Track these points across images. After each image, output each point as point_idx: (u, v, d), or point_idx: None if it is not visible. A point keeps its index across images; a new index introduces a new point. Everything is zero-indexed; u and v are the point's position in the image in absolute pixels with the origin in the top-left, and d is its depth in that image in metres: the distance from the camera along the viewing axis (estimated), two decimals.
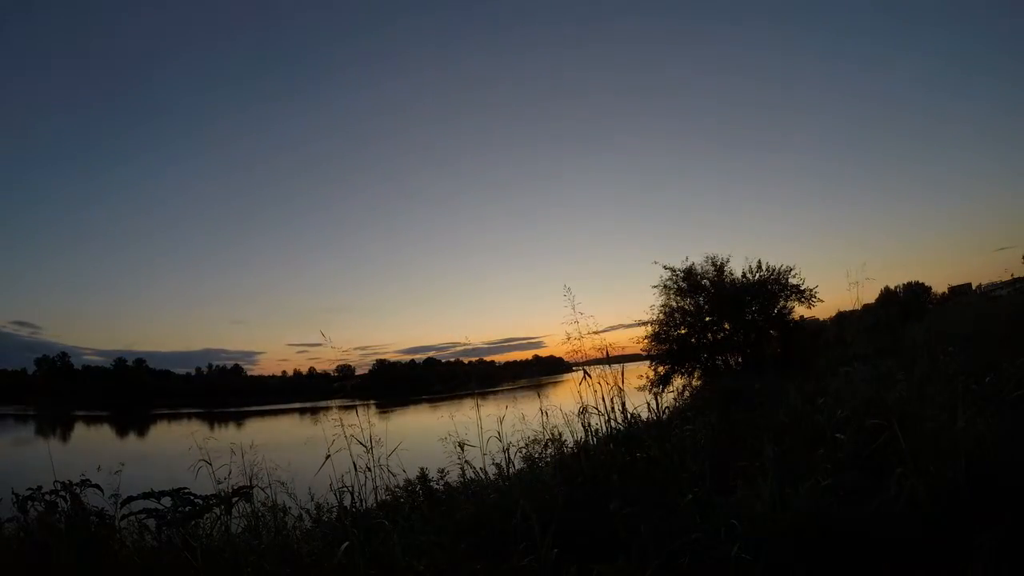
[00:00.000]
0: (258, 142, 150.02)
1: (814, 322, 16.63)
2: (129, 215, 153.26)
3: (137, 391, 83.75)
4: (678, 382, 14.79)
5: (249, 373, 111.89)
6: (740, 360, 14.68)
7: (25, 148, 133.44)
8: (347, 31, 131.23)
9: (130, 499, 3.87)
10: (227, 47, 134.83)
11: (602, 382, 6.73)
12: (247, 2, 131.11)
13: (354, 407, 5.52)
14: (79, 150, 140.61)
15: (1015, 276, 35.09)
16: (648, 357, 15.33)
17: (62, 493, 4.10)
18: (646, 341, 15.39)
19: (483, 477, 5.32)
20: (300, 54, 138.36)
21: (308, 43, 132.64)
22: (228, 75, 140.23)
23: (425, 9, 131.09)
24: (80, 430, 38.40)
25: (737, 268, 15.15)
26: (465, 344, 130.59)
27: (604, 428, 6.48)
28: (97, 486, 4.20)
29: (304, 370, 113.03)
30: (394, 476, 5.14)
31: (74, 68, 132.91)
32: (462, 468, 5.35)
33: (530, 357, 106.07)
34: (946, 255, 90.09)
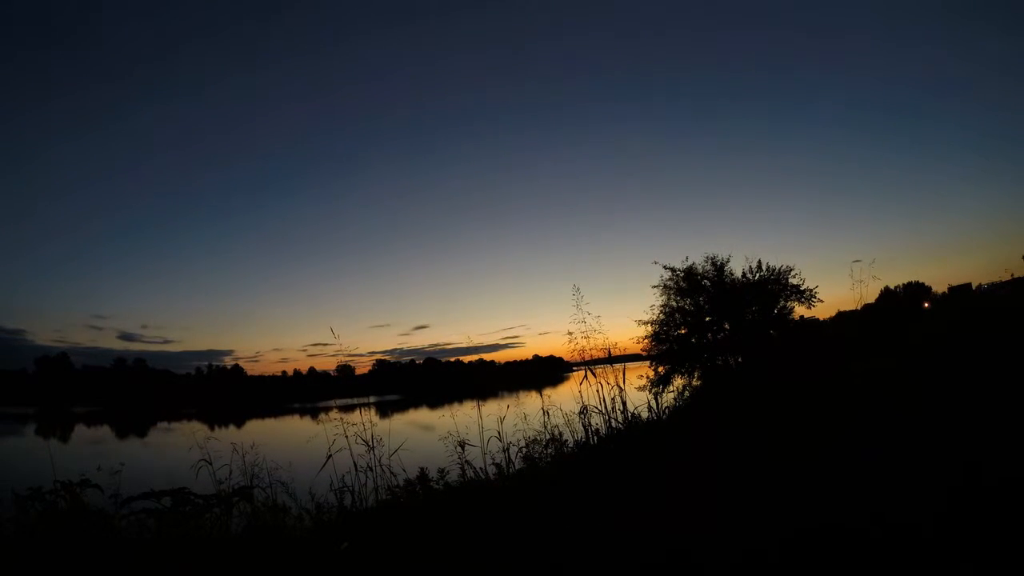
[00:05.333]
0: (252, 142, 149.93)
1: (814, 322, 16.62)
2: (130, 214, 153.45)
3: (137, 391, 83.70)
4: (678, 382, 14.77)
5: (249, 373, 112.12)
6: (740, 360, 14.66)
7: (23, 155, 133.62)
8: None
9: (130, 499, 3.85)
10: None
11: (603, 382, 6.73)
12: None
13: (356, 407, 5.51)
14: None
15: (1015, 276, 35.14)
16: (648, 357, 15.31)
17: (62, 493, 4.09)
18: (646, 341, 15.39)
19: (483, 477, 5.31)
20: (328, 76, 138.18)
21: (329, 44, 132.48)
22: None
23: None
24: (80, 430, 38.35)
25: (737, 268, 15.15)
26: (445, 344, 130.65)
27: (605, 428, 6.48)
28: (97, 486, 4.19)
29: (304, 370, 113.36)
30: (395, 476, 5.13)
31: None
32: (462, 468, 5.34)
33: (530, 357, 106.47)
34: (946, 255, 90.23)
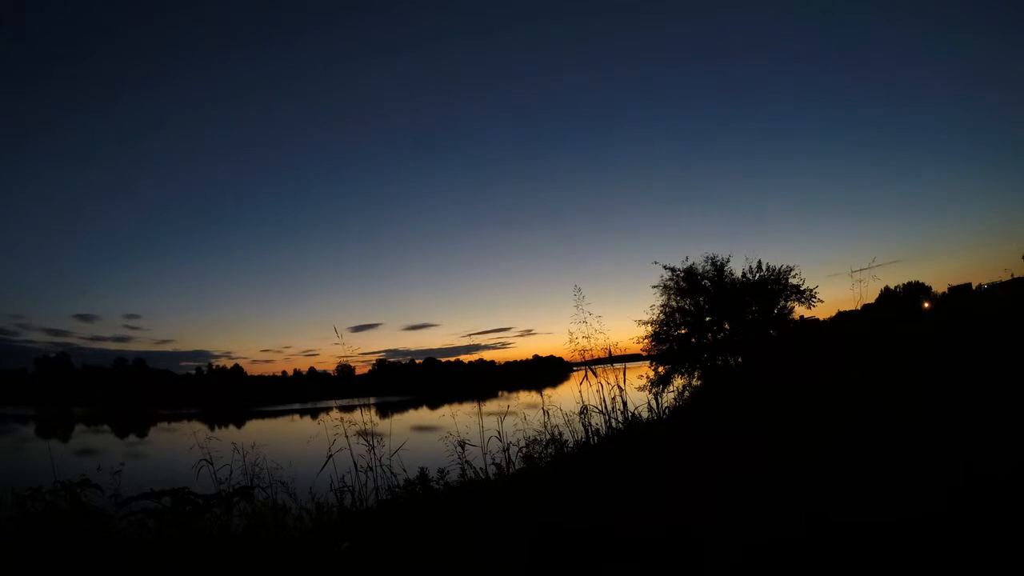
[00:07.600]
0: (244, 139, 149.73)
1: (814, 322, 16.61)
2: (127, 212, 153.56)
3: (137, 391, 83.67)
4: (678, 382, 14.77)
5: (249, 373, 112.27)
6: (740, 360, 14.66)
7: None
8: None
9: (130, 499, 3.84)
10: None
11: (603, 382, 6.73)
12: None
13: (356, 407, 5.52)
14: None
15: (1015, 276, 35.13)
16: (648, 357, 15.30)
17: (62, 493, 4.09)
18: (646, 341, 15.39)
19: (483, 477, 5.31)
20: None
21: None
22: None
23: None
24: (80, 430, 38.35)
25: (737, 268, 15.15)
26: (443, 345, 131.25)
27: (605, 428, 6.48)
28: (97, 486, 4.19)
29: (304, 370, 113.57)
30: (395, 476, 5.13)
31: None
32: (462, 468, 5.34)
33: (530, 357, 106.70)
34: (946, 255, 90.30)
